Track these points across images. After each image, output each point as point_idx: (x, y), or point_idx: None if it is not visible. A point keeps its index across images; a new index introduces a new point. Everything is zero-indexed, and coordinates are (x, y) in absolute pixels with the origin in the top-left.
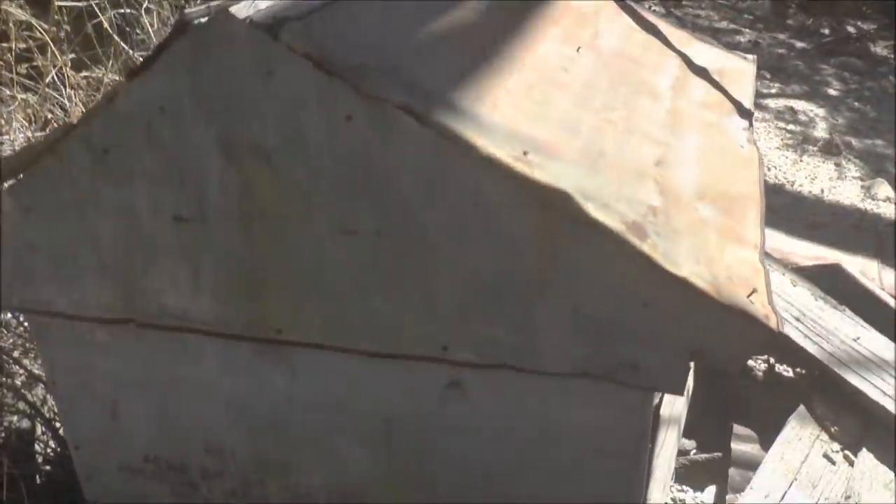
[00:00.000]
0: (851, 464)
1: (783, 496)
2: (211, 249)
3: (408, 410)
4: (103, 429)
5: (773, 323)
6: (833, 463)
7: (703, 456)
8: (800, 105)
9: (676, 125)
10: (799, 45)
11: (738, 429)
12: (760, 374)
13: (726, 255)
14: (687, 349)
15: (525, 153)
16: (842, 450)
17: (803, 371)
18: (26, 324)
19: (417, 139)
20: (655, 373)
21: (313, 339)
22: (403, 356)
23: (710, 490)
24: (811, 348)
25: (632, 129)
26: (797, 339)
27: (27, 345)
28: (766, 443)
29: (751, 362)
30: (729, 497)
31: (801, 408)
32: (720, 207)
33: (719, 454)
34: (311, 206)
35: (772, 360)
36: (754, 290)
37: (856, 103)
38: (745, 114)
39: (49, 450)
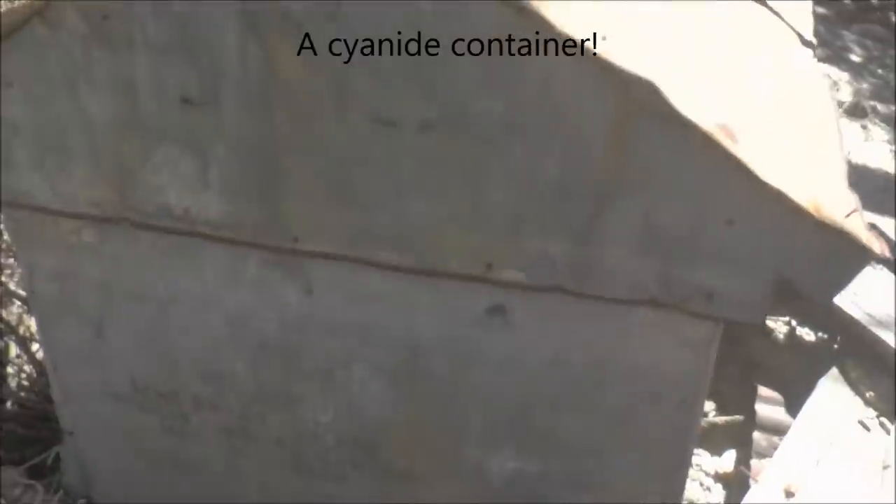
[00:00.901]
0: (888, 432)
1: (817, 462)
2: (223, 137)
3: (440, 338)
4: (86, 348)
5: (877, 247)
6: (868, 430)
7: (724, 418)
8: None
9: (746, 48)
10: (820, 10)
11: (762, 390)
12: (781, 336)
13: (817, 174)
14: (774, 275)
15: (604, 38)
16: (877, 416)
17: (825, 336)
18: (5, 235)
19: (479, 11)
20: (734, 302)
21: (336, 249)
22: (440, 273)
23: (730, 454)
24: (849, 308)
25: (704, 46)
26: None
27: (3, 260)
28: (791, 406)
29: (771, 324)
30: (754, 462)
31: (834, 370)
32: (802, 129)
33: (741, 417)
34: (346, 88)
35: (793, 323)
36: (855, 210)
37: (879, 70)
38: (808, 44)
39: (23, 374)
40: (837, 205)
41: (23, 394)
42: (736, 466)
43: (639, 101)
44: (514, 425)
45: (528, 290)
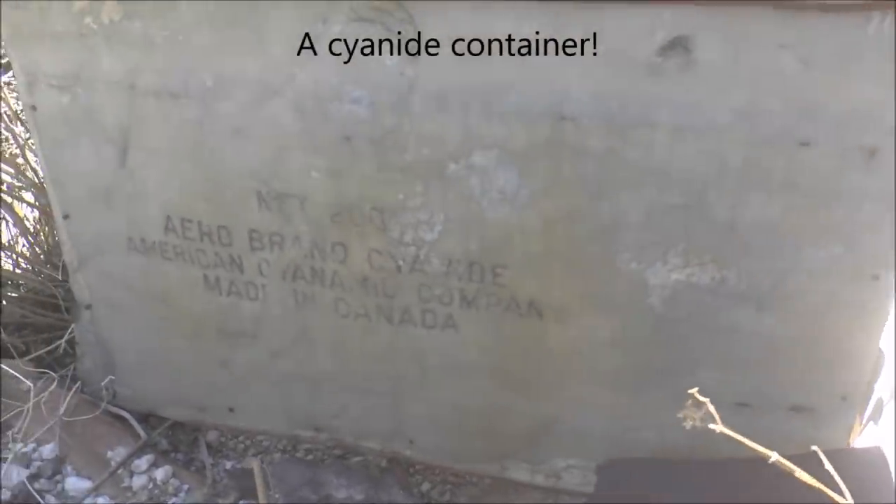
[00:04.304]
0: None
1: None
2: None
3: (595, 96)
4: (107, 180)
5: None
6: None
7: None
8: None
9: None
10: None
11: None
12: None
13: None
14: None
15: None
16: None
17: None
18: None
19: None
20: None
21: None
22: None
23: None
24: None
25: None
26: None
27: None
28: None
29: None
30: None
31: None
32: None
33: None
34: None
35: None
36: None
37: None
38: None
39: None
40: None
41: (20, 270)
42: None
43: None
44: (683, 216)
45: (721, 6)
